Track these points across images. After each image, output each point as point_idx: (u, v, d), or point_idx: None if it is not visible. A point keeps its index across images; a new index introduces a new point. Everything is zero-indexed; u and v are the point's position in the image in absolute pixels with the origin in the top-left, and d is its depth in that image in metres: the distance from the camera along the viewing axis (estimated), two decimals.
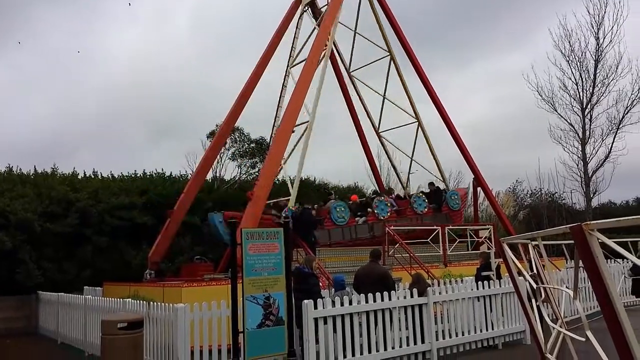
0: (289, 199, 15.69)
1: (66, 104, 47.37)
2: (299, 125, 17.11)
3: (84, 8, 56.37)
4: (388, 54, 20.62)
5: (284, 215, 14.90)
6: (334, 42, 20.22)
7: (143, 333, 8.71)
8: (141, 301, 10.38)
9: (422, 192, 20.84)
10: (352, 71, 21.92)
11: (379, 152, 32.29)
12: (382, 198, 18.66)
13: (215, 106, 48.39)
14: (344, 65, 21.78)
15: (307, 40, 19.56)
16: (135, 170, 24.19)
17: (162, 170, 24.74)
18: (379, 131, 21.95)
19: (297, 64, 19.30)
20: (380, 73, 21.25)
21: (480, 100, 54.40)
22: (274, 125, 19.12)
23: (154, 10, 58.24)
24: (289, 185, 16.55)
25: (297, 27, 20.99)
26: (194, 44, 56.05)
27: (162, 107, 49.24)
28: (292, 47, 19.88)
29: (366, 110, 22.03)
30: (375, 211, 18.04)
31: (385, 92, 21.07)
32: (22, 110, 46.62)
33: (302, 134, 16.56)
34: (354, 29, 21.09)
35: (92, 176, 22.95)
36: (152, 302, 9.84)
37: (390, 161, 22.36)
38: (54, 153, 44.62)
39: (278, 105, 19.56)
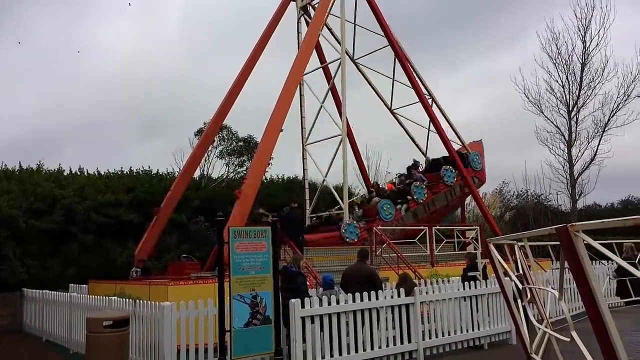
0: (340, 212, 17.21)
1: (53, 100, 46.94)
2: (332, 137, 18.63)
3: (74, 3, 55.85)
4: (388, 43, 20.75)
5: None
6: (332, 30, 20.50)
7: (129, 331, 8.66)
8: (127, 299, 10.32)
9: (443, 158, 21.33)
10: (357, 59, 22.11)
11: (368, 152, 32.59)
12: (417, 183, 19.35)
13: (204, 104, 48.21)
14: (348, 55, 21.79)
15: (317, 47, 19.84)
16: (122, 168, 24.07)
17: (149, 167, 24.63)
18: (392, 109, 22.27)
19: (309, 72, 19.80)
20: (380, 62, 21.76)
21: (469, 102, 54.65)
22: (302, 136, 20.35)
23: (144, 6, 57.84)
24: (336, 195, 17.67)
25: (298, 32, 21.03)
26: (185, 41, 55.72)
27: (151, 104, 48.95)
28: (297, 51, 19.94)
29: (376, 91, 22.35)
30: (415, 197, 18.97)
31: (394, 75, 21.41)
32: (7, 105, 46.12)
33: (338, 147, 17.74)
34: (353, 22, 21.27)
35: (78, 173, 22.79)
36: (138, 300, 9.79)
37: (409, 135, 22.55)
38: (40, 149, 44.10)
39: (301, 116, 20.68)
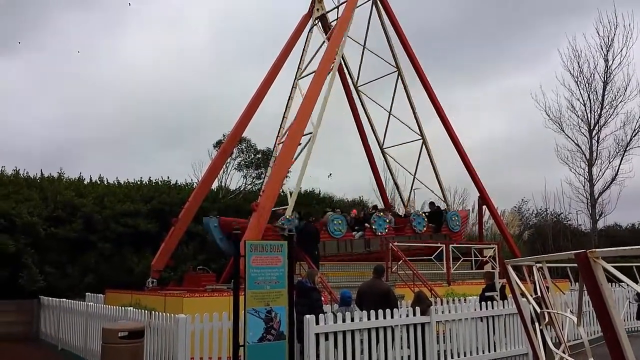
0: (286, 209, 15.63)
1: (78, 109, 47.72)
2: (304, 135, 16.99)
3: (103, 13, 56.86)
4: (396, 69, 20.66)
5: (280, 223, 14.85)
6: (342, 56, 20.34)
7: (144, 342, 8.71)
8: (143, 310, 10.38)
9: (423, 212, 20.60)
10: (359, 86, 21.98)
11: (385, 167, 32.50)
12: (381, 214, 18.36)
13: (227, 115, 48.63)
14: (352, 79, 21.83)
15: (315, 54, 19.67)
16: (141, 178, 24.31)
17: (168, 178, 24.85)
18: (383, 147, 21.91)
19: (305, 76, 19.41)
20: (389, 89, 21.32)
21: (491, 119, 54.38)
22: (277, 136, 19.18)
23: (173, 17, 58.70)
24: (288, 195, 16.62)
25: (306, 40, 21.10)
26: (211, 52, 56.47)
27: (175, 114, 49.49)
28: (300, 59, 19.99)
29: (371, 125, 22.03)
30: (373, 227, 17.60)
31: (391, 108, 21.07)
32: (33, 113, 46.97)
33: (305, 145, 16.51)
34: (363, 44, 21.14)
35: (98, 182, 23.08)
36: (153, 312, 9.84)
37: (393, 178, 22.31)
38: (63, 158, 44.78)
39: (283, 117, 19.54)
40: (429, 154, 20.47)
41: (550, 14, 56.85)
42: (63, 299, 14.96)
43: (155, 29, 58.50)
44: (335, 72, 17.98)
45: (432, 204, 20.40)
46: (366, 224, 17.74)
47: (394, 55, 20.65)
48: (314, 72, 17.39)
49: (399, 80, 20.73)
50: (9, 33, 51.76)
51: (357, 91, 21.97)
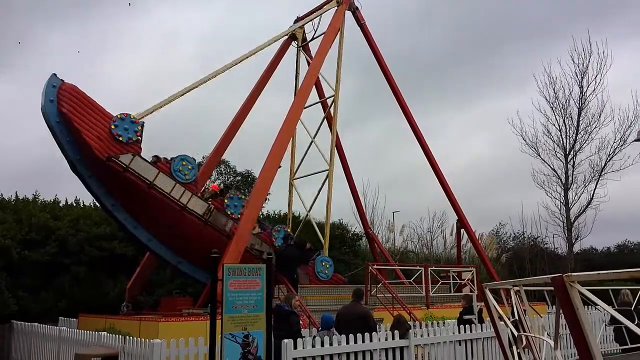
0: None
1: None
2: (319, 172, 18.35)
3: (90, 30, 56.68)
4: (333, 95, 19.25)
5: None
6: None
7: None
8: (117, 335, 10.16)
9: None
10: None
11: (365, 190, 32.63)
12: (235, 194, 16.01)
13: (207, 137, 48.46)
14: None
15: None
16: None
17: None
18: (293, 178, 20.69)
19: (307, 107, 19.26)
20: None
21: (473, 143, 55.20)
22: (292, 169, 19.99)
23: (162, 34, 58.81)
24: (317, 230, 17.67)
25: (297, 72, 21.19)
26: (197, 74, 56.43)
27: (155, 135, 49.05)
28: (295, 85, 20.13)
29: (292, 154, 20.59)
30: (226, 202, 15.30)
31: (315, 136, 19.82)
32: (8, 133, 46.24)
33: (324, 182, 17.52)
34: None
35: (74, 204, 22.71)
36: (127, 337, 9.64)
37: (289, 206, 21.04)
38: (40, 179, 43.97)
39: (292, 152, 20.11)
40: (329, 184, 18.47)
41: (525, 38, 58.24)
42: (35, 324, 14.59)
43: (141, 50, 58.51)
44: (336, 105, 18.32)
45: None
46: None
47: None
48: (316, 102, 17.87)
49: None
50: None
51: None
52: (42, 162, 44.92)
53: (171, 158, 14.54)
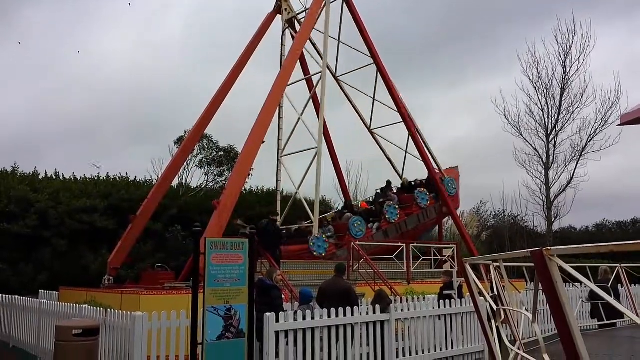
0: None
1: (41, 102, 46.29)
2: (307, 150, 18.37)
3: (76, 5, 55.36)
4: (373, 62, 20.84)
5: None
6: (317, 51, 20.50)
7: (99, 340, 8.50)
8: (98, 308, 10.13)
9: (403, 181, 21.49)
10: (339, 76, 22.15)
11: (349, 167, 32.72)
12: (390, 203, 19.28)
13: (190, 112, 48.00)
14: (330, 71, 21.80)
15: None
16: (98, 173, 23.78)
17: (127, 174, 24.38)
18: (371, 128, 22.34)
19: (292, 84, 19.63)
20: (364, 82, 21.95)
21: (456, 122, 55.35)
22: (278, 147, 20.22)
23: (148, 11, 57.62)
24: (307, 208, 17.67)
25: (282, 44, 21.07)
26: (181, 49, 55.67)
27: (138, 109, 48.60)
28: (281, 64, 19.93)
29: (356, 110, 22.41)
30: (387, 216, 18.86)
31: (374, 94, 21.55)
32: None
33: (312, 160, 17.47)
34: (338, 39, 21.34)
35: (54, 177, 22.46)
36: (109, 309, 9.62)
37: (385, 155, 22.52)
38: (21, 151, 43.33)
39: (279, 127, 20.44)
40: (418, 132, 21.10)
41: (509, 20, 58.14)
42: (15, 296, 14.49)
43: (126, 23, 57.37)
44: (324, 81, 18.38)
45: (421, 180, 21.12)
46: (380, 216, 18.88)
47: (370, 49, 20.73)
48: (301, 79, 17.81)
49: (379, 71, 20.92)
50: None
51: (338, 81, 22.24)
52: (20, 134, 44.26)
53: None
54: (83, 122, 46.01)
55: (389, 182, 21.75)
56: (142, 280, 16.76)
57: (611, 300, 3.23)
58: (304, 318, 8.83)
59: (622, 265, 9.65)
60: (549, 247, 3.18)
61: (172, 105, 48.13)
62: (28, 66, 48.41)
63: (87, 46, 50.92)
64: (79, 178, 22.98)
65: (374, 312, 9.87)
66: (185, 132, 23.76)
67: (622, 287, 10.61)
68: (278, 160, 20.72)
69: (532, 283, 15.28)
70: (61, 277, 17.81)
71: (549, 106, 29.36)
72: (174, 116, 45.73)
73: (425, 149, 21.00)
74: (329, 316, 9.14)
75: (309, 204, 18.17)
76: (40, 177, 21.91)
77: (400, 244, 17.14)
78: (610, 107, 28.27)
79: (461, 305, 11.39)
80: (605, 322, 10.07)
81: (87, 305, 10.58)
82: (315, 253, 16.02)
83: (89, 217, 19.75)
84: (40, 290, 16.61)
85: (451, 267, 17.06)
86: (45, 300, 12.95)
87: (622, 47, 50.26)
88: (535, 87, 29.69)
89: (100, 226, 19.84)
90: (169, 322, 8.73)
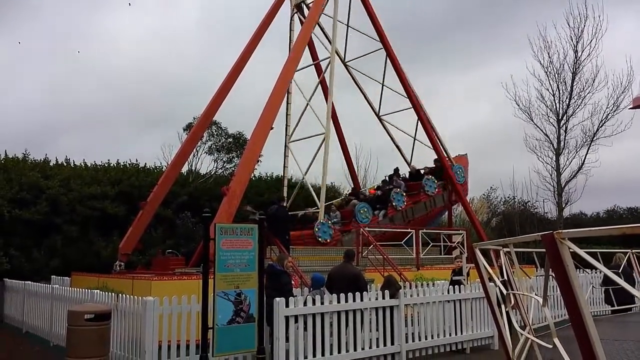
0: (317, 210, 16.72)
1: (55, 92, 46.41)
2: (315, 136, 18.25)
3: None
4: (382, 47, 20.70)
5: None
6: (325, 37, 20.41)
7: (110, 325, 8.59)
8: (110, 293, 10.23)
9: (411, 169, 21.52)
10: (348, 62, 22.05)
11: (358, 153, 32.65)
12: (398, 190, 19.23)
13: (200, 98, 47.95)
14: (339, 57, 21.70)
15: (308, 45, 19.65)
16: (109, 160, 23.88)
17: (137, 160, 24.47)
18: (380, 115, 22.23)
19: (300, 69, 19.54)
20: (373, 68, 21.83)
21: (468, 109, 54.89)
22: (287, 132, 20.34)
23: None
24: (313, 194, 17.63)
25: (291, 30, 20.96)
26: (191, 37, 55.51)
27: (150, 96, 48.61)
28: (289, 49, 19.84)
29: (365, 96, 22.31)
30: (394, 203, 18.88)
31: (383, 80, 21.42)
32: (6, 96, 45.45)
33: (320, 146, 17.42)
34: (347, 24, 21.23)
35: (64, 164, 22.58)
36: (120, 294, 9.70)
37: (394, 141, 22.46)
38: (33, 138, 43.49)
39: (287, 113, 20.38)
40: (427, 119, 20.94)
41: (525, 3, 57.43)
42: (28, 282, 14.65)
43: (140, 9, 57.25)
44: (333, 68, 18.30)
45: (435, 160, 21.04)
46: (387, 203, 18.89)
47: (379, 34, 20.58)
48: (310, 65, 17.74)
49: (388, 56, 20.79)
50: None
51: (346, 66, 22.15)
52: (33, 121, 44.46)
53: None
54: (94, 109, 46.14)
55: (396, 169, 21.68)
56: (152, 266, 16.89)
57: (625, 284, 3.20)
58: (314, 303, 8.87)
59: (634, 250, 9.59)
60: (560, 230, 3.16)
61: (185, 91, 48.11)
62: (40, 52, 48.51)
63: (99, 31, 50.88)
64: (89, 165, 23.11)
65: (383, 298, 9.89)
66: (194, 118, 23.78)
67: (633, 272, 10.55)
68: (285, 145, 20.70)
69: (542, 269, 15.23)
70: (73, 263, 17.98)
71: (560, 91, 29.08)
72: (185, 102, 45.74)
73: (436, 136, 20.88)
74: (339, 301, 9.17)
75: (316, 190, 18.15)
76: (51, 164, 22.03)
77: (409, 230, 17.12)
78: (622, 92, 27.94)
79: (470, 291, 11.38)
80: (617, 307, 10.04)
81: (98, 291, 10.68)
82: (320, 239, 16.01)
83: (99, 204, 19.87)
84: (52, 276, 16.79)
85: (460, 253, 17.05)
86: (57, 286, 13.09)
87: (635, 31, 49.52)
88: (547, 72, 29.40)
89: (111, 212, 19.96)
90: (180, 307, 8.79)
